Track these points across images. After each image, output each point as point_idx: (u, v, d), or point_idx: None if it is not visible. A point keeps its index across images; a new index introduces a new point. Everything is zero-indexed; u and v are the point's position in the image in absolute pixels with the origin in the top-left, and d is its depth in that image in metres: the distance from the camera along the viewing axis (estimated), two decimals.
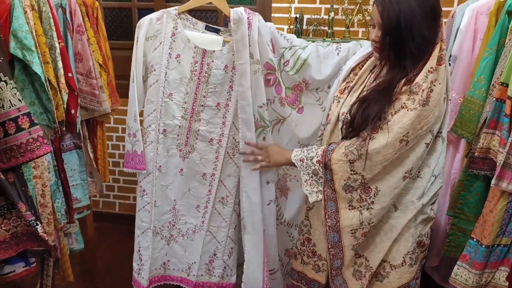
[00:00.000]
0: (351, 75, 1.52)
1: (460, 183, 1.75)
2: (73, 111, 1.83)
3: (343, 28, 2.51)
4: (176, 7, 1.66)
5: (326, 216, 1.41)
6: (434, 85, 1.27)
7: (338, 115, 1.47)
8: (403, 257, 1.42)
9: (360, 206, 1.36)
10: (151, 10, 2.86)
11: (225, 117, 1.69)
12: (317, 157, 1.40)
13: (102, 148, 2.35)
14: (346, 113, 1.41)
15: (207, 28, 1.71)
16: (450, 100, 1.39)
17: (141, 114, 1.70)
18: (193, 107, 1.69)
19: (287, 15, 2.62)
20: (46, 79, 1.64)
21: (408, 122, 1.26)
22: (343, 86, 1.51)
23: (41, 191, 1.72)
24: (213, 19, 2.91)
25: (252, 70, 1.58)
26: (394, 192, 1.35)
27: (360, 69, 1.50)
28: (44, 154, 1.46)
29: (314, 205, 1.54)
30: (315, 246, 1.56)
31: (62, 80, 1.75)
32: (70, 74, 1.80)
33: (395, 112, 1.28)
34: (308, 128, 1.69)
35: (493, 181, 1.44)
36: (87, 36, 2.01)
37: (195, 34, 1.67)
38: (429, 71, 1.26)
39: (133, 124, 1.67)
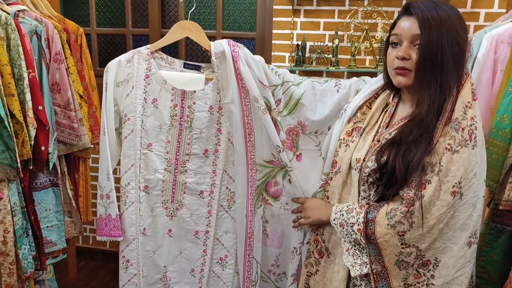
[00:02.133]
0: (359, 114, 1.30)
1: (482, 236, 1.49)
2: (43, 148, 1.65)
3: (349, 56, 2.34)
4: (148, 46, 1.48)
5: None
6: (476, 122, 1.06)
7: (350, 162, 1.23)
8: None
9: (418, 283, 1.10)
10: (146, 37, 2.73)
11: (215, 165, 1.49)
12: (358, 225, 1.15)
13: (84, 185, 2.16)
14: (365, 161, 1.18)
15: (186, 66, 1.52)
16: None
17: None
18: (177, 157, 1.49)
19: (288, 42, 2.45)
20: (7, 113, 1.47)
21: (455, 169, 1.03)
22: (350, 127, 1.29)
23: (2, 238, 1.53)
24: None
25: (256, 108, 1.39)
26: (459, 262, 1.08)
27: (368, 107, 1.29)
28: None
29: (319, 270, 1.31)
30: None
31: (30, 113, 1.57)
32: (40, 107, 1.62)
33: (440, 158, 1.05)
34: (309, 179, 1.43)
35: None
36: (67, 65, 1.85)
37: (172, 73, 1.48)
38: (466, 105, 1.06)
39: (105, 183, 1.47)
